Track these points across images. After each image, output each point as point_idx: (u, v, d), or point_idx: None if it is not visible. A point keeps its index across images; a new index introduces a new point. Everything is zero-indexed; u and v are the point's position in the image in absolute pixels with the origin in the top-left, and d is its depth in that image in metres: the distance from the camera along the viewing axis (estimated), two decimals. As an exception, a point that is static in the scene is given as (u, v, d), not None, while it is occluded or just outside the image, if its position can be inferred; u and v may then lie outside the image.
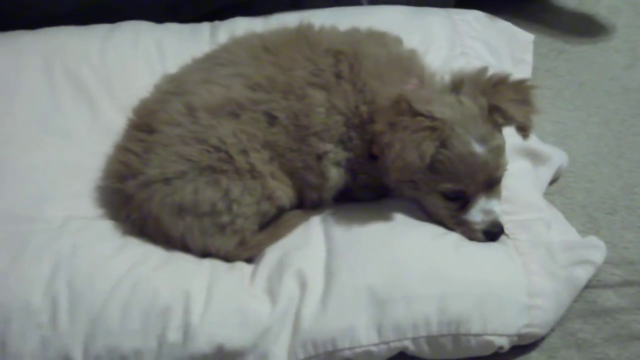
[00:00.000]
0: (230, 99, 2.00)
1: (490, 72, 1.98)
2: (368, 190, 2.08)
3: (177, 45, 2.52)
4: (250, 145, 1.98)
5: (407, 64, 2.06)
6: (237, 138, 1.97)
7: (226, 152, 1.96)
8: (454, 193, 1.95)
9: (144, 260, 1.94)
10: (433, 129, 1.87)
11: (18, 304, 1.85)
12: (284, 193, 2.03)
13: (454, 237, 1.97)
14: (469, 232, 1.97)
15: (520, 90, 1.98)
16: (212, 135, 1.97)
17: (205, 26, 2.63)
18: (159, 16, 2.64)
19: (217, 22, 2.65)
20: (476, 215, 1.96)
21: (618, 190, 2.38)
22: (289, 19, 2.59)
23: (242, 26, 2.59)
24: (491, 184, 1.96)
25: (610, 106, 2.71)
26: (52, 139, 2.26)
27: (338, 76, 2.01)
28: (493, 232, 1.97)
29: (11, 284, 1.88)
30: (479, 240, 1.96)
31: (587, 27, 3.09)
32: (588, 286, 2.04)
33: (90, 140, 2.27)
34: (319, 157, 2.02)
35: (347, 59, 2.02)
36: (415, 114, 1.88)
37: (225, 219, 1.97)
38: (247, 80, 2.02)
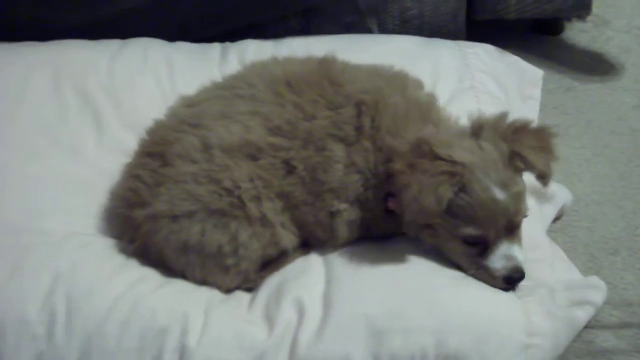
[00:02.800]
0: (248, 142, 1.97)
1: (510, 119, 1.96)
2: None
3: (187, 64, 2.53)
4: (265, 193, 1.96)
5: (424, 110, 2.02)
6: (253, 184, 1.95)
7: (238, 198, 1.94)
8: (474, 238, 1.91)
9: (144, 280, 1.93)
10: (452, 173, 1.85)
11: (14, 317, 1.85)
12: (290, 241, 2.01)
13: (455, 271, 1.95)
14: (489, 279, 1.93)
15: (541, 138, 1.96)
16: (226, 176, 1.94)
17: (215, 47, 2.63)
18: (170, 35, 2.65)
19: (227, 43, 2.65)
20: (497, 261, 1.92)
21: (621, 231, 2.38)
22: (299, 44, 2.61)
23: (252, 49, 2.60)
24: (511, 229, 1.93)
25: (617, 146, 2.71)
26: (56, 152, 2.26)
27: (359, 130, 1.98)
28: (514, 278, 1.93)
29: (9, 296, 1.87)
30: (499, 287, 1.93)
31: (596, 66, 3.10)
32: (586, 326, 2.02)
33: (95, 155, 2.27)
34: (332, 214, 2.00)
35: (368, 111, 1.98)
36: (436, 157, 1.86)
37: (230, 261, 1.96)
38: (267, 122, 1.99)
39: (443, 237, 1.95)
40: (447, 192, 1.85)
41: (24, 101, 2.37)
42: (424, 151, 1.87)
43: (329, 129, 1.98)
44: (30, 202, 2.10)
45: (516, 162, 1.92)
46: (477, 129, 1.94)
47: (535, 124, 1.99)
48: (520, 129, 1.95)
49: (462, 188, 1.87)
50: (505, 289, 1.93)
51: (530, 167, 1.93)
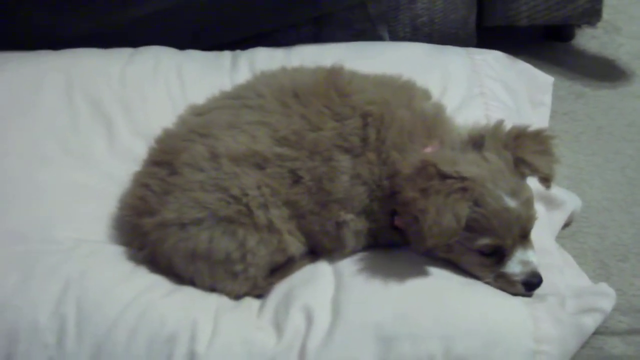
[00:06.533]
0: (255, 152, 1.98)
1: (507, 125, 1.98)
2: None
3: (198, 72, 2.54)
4: (272, 201, 1.96)
5: (430, 125, 2.01)
6: (260, 191, 1.96)
7: (246, 205, 1.94)
8: (491, 249, 1.92)
9: (153, 288, 1.94)
10: (464, 189, 1.85)
11: (26, 324, 1.86)
12: (297, 248, 2.01)
13: (463, 277, 1.96)
14: (508, 285, 1.94)
15: (541, 141, 1.98)
16: (233, 184, 1.95)
17: (226, 55, 2.65)
18: (181, 43, 2.67)
19: (238, 51, 2.66)
20: (515, 267, 1.93)
21: (630, 237, 2.38)
22: (310, 51, 2.62)
23: (263, 56, 2.61)
24: (525, 235, 1.94)
25: (627, 152, 2.71)
26: (67, 159, 2.27)
27: (364, 141, 1.98)
28: (532, 283, 1.93)
29: (20, 304, 1.88)
30: (518, 293, 1.94)
31: (607, 72, 3.09)
32: (595, 333, 2.01)
33: (106, 162, 2.29)
34: (339, 225, 2.00)
35: (374, 122, 1.98)
36: (445, 176, 1.86)
37: (238, 267, 1.96)
38: (273, 133, 1.99)
39: (458, 251, 1.95)
40: (464, 209, 1.85)
41: (36, 108, 2.39)
42: (431, 172, 1.87)
43: (335, 140, 1.98)
44: (40, 210, 2.11)
45: (521, 168, 1.93)
46: (478, 140, 1.95)
47: (531, 128, 1.99)
48: (520, 135, 1.96)
49: (475, 202, 1.87)
50: (524, 295, 1.94)
51: (534, 171, 1.95)
